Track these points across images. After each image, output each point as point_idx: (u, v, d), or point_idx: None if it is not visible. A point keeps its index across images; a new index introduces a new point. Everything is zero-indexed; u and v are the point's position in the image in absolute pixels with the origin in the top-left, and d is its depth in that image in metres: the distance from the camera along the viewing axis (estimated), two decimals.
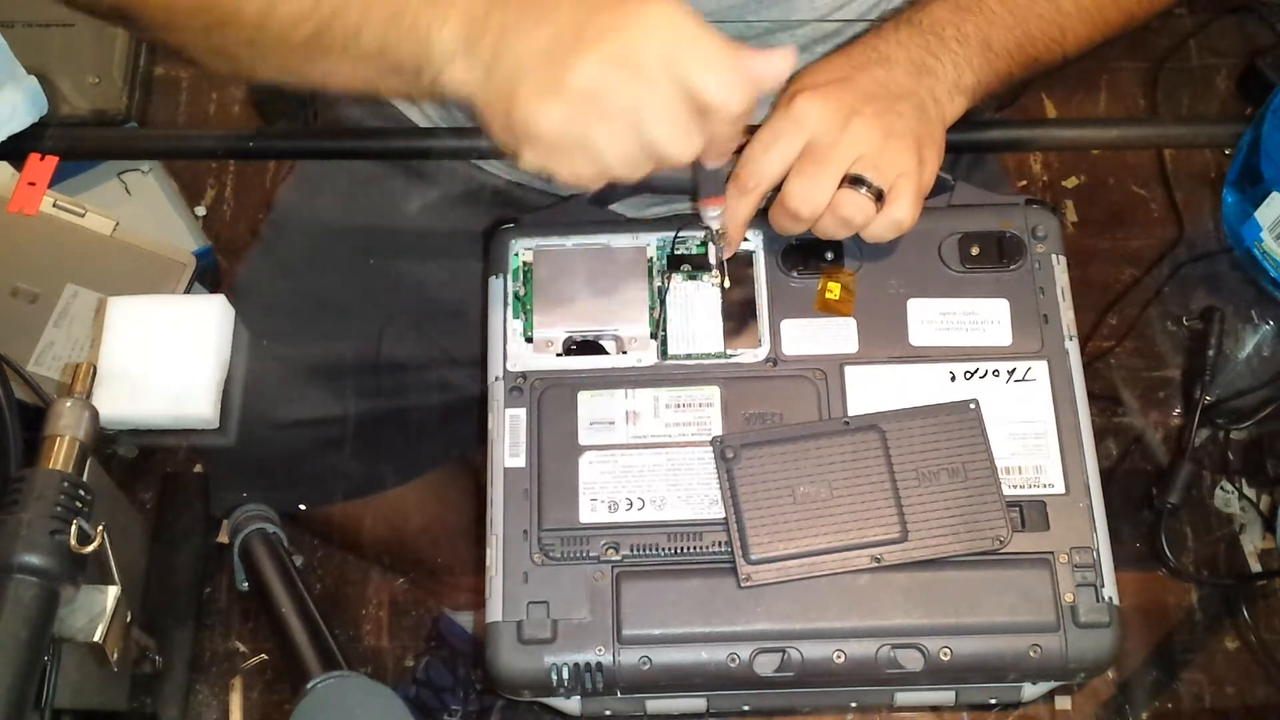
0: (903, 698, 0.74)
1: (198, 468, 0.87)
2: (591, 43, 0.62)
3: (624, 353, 0.78)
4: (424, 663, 0.82)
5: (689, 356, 0.78)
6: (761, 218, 0.81)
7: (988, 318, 0.78)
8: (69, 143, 0.92)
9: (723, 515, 0.73)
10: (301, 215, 0.99)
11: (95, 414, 0.73)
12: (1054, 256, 0.80)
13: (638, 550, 0.73)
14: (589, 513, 0.73)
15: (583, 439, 0.75)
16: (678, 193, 0.78)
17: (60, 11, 1.07)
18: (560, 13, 0.63)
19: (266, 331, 0.88)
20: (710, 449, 0.75)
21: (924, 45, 0.77)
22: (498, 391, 0.77)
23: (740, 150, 0.74)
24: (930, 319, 0.78)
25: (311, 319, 0.96)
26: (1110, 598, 0.72)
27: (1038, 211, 0.81)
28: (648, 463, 0.75)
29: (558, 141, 0.64)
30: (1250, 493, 0.86)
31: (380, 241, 0.97)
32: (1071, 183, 1.04)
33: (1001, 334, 0.78)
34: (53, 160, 0.89)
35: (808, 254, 0.80)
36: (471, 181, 0.98)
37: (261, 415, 0.91)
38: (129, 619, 0.73)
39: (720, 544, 0.73)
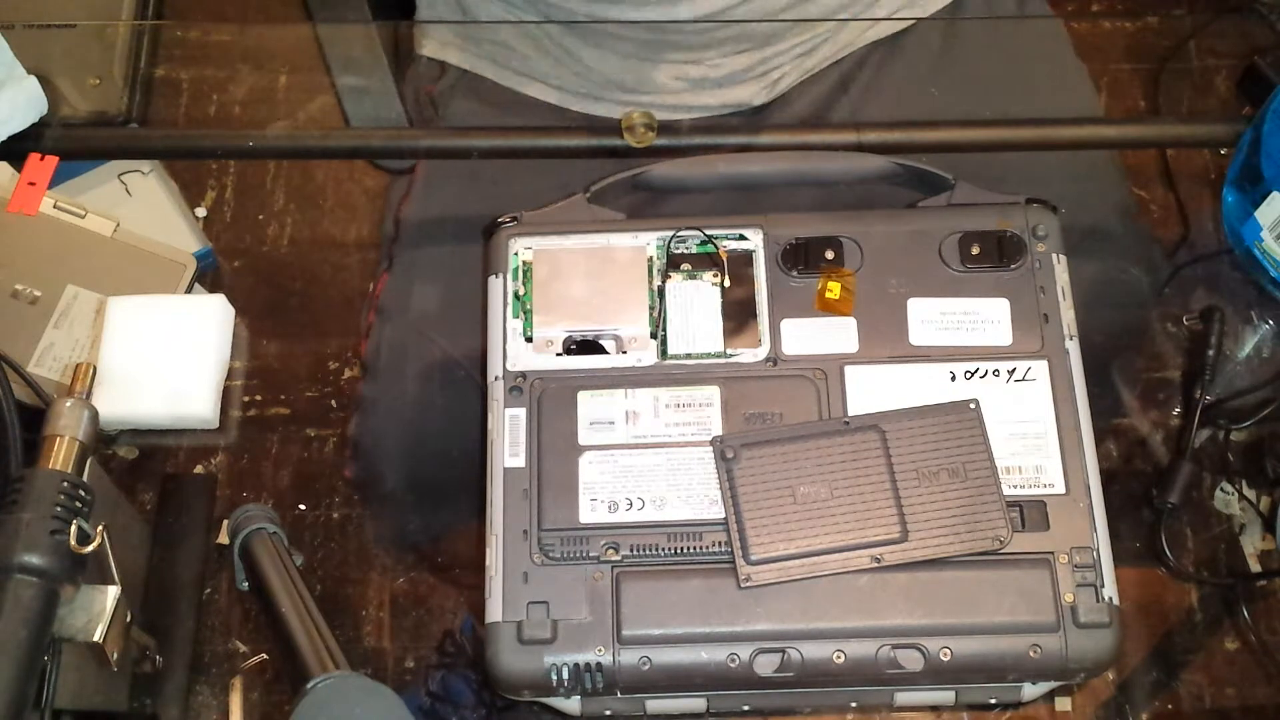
0: (903, 698, 0.74)
1: (198, 468, 0.87)
2: None
3: (624, 352, 0.78)
4: (439, 676, 0.82)
5: (689, 356, 0.78)
6: (762, 216, 0.82)
7: (988, 317, 0.78)
8: (69, 143, 0.92)
9: (723, 515, 0.73)
10: (435, 226, 1.00)
11: (95, 414, 0.73)
12: (1054, 256, 0.80)
13: (638, 550, 0.73)
14: (589, 513, 0.73)
15: (583, 439, 0.75)
16: None
17: (60, 12, 1.07)
18: None
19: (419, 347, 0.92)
20: (710, 449, 0.75)
21: None
22: (497, 391, 0.77)
23: None
24: (930, 319, 0.78)
25: (360, 306, 0.96)
26: (1110, 598, 0.72)
27: (1038, 211, 0.81)
28: (648, 463, 0.75)
29: None
30: (1250, 493, 0.86)
31: None
32: None
33: (1002, 334, 0.78)
34: (53, 160, 0.89)
35: (808, 254, 0.80)
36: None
37: (433, 437, 0.91)
38: (129, 619, 0.73)
39: (720, 544, 0.73)
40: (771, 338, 0.78)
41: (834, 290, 0.79)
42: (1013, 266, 0.79)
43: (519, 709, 0.78)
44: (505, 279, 0.80)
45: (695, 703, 0.74)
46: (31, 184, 0.88)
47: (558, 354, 0.78)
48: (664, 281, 0.80)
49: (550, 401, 0.76)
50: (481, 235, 0.83)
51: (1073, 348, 0.78)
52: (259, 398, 0.90)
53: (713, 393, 0.76)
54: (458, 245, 0.98)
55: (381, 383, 0.92)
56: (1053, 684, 0.74)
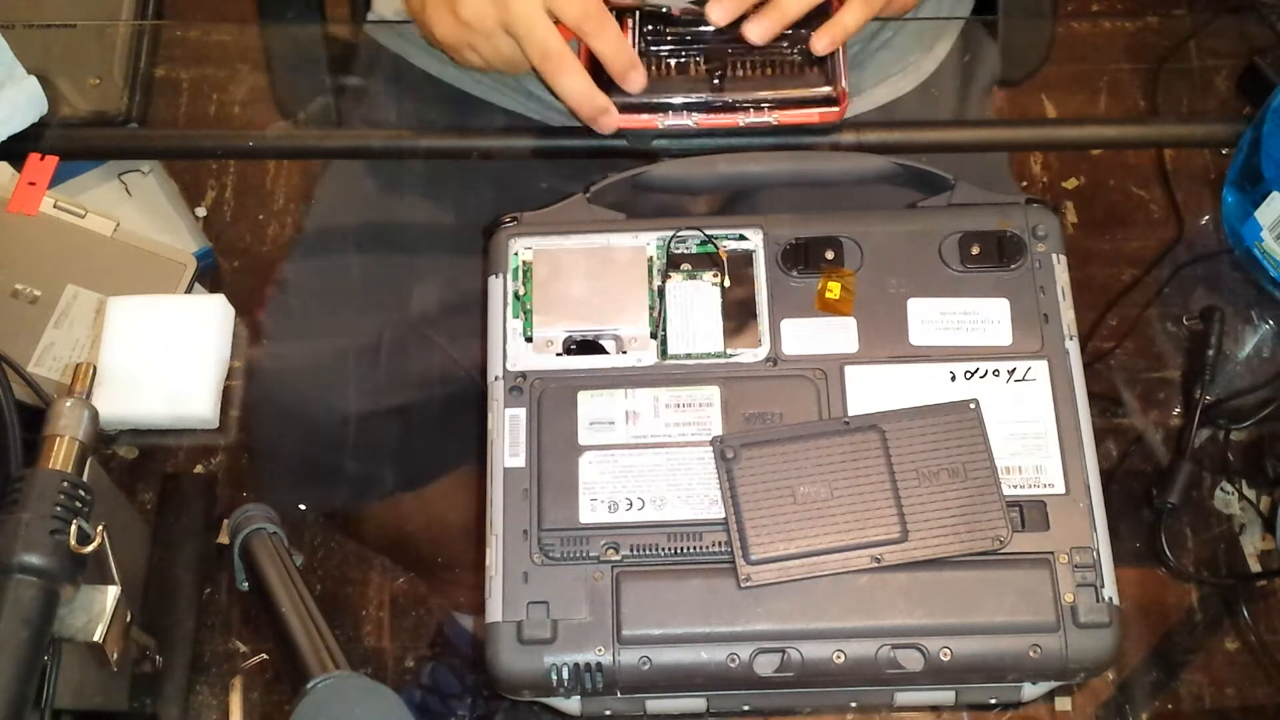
0: (903, 698, 0.74)
1: (198, 468, 0.87)
2: None
3: (624, 352, 0.78)
4: (430, 668, 0.82)
5: (689, 356, 0.78)
6: (762, 216, 0.82)
7: (988, 317, 0.78)
8: (69, 143, 0.92)
9: (723, 515, 0.73)
10: (341, 208, 1.00)
11: (95, 414, 0.73)
12: (1054, 256, 0.80)
13: (638, 550, 0.73)
14: (589, 513, 0.73)
15: (583, 439, 0.75)
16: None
17: (60, 11, 1.07)
18: None
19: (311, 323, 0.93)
20: (710, 449, 0.75)
21: None
22: (497, 391, 0.77)
23: None
24: (930, 319, 0.78)
25: (360, 308, 0.97)
26: (1110, 598, 0.72)
27: (1038, 211, 0.81)
28: (648, 463, 0.75)
29: (449, 42, 0.86)
30: (1250, 493, 0.86)
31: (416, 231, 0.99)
32: (1071, 183, 1.04)
33: (1002, 334, 0.78)
34: (53, 160, 0.89)
35: (808, 254, 0.80)
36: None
37: (306, 409, 0.92)
38: (129, 619, 0.73)
39: (720, 544, 0.73)
40: (771, 338, 0.78)
41: (834, 290, 0.79)
42: (1013, 266, 0.79)
43: (518, 708, 0.78)
44: (505, 279, 0.80)
45: (695, 703, 0.74)
46: (31, 184, 0.88)
47: (558, 354, 0.78)
48: (664, 281, 0.80)
49: (550, 401, 0.76)
50: (481, 235, 0.83)
51: (1073, 348, 0.78)
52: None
53: (713, 393, 0.76)
54: (358, 236, 0.99)
55: (270, 351, 0.93)
56: (1053, 684, 0.74)
